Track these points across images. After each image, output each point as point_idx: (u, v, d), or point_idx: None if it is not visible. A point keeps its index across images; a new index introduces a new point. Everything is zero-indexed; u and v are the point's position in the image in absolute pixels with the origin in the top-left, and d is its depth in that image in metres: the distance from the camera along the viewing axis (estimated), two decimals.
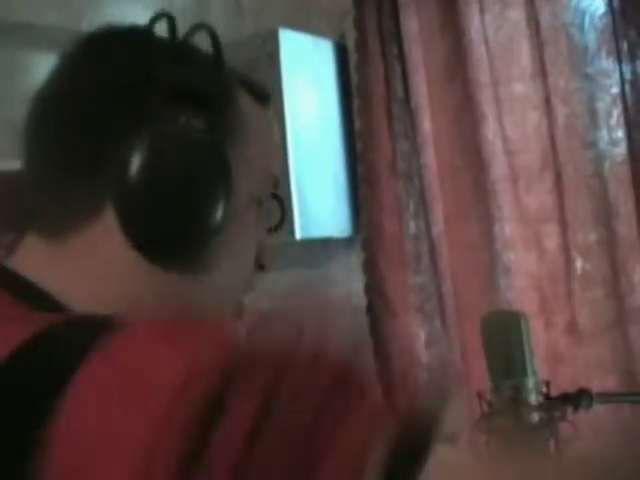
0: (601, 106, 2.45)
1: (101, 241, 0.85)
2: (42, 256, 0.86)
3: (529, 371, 1.24)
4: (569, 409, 1.27)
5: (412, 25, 2.69)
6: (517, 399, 1.21)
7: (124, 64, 0.86)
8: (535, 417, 1.22)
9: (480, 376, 1.30)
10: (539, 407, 1.23)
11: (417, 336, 2.73)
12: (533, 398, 1.23)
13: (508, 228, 2.57)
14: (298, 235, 2.55)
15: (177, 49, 0.87)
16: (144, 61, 0.85)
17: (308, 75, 2.71)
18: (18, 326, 0.72)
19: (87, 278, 0.85)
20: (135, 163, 0.81)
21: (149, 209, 0.82)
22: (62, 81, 0.89)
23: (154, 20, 0.89)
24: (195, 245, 0.84)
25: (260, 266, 0.97)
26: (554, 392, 1.27)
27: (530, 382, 1.24)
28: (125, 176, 0.81)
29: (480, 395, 1.27)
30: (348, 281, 2.90)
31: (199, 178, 0.83)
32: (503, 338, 1.26)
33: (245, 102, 0.93)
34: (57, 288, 0.83)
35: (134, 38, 0.90)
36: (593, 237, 2.46)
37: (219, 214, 0.84)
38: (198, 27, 0.88)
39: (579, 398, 1.27)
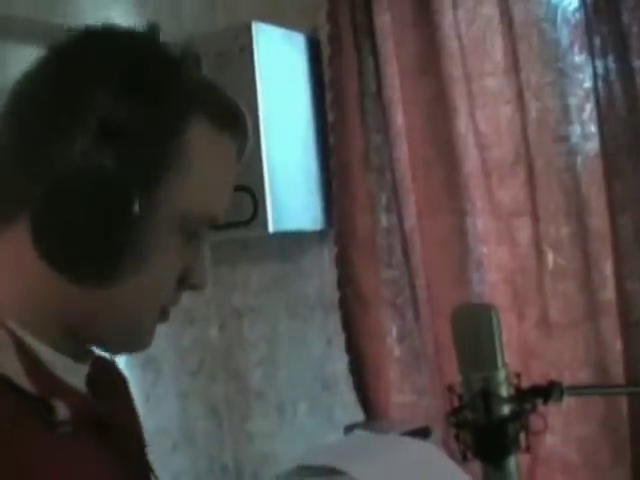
0: (573, 101, 2.45)
1: (16, 244, 0.93)
2: None
3: (499, 363, 1.25)
4: (540, 402, 1.27)
5: (385, 19, 2.69)
6: (487, 391, 1.21)
7: (72, 83, 0.92)
8: (505, 409, 1.23)
9: (453, 370, 1.30)
10: (509, 399, 1.23)
11: (389, 330, 2.73)
12: (503, 390, 1.24)
13: (480, 222, 2.57)
14: (271, 228, 2.54)
15: (132, 74, 0.91)
16: (90, 85, 0.91)
17: (281, 68, 2.71)
18: None
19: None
20: (49, 182, 0.89)
21: (55, 226, 0.89)
22: (25, 82, 0.96)
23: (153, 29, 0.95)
24: (93, 261, 0.91)
25: (191, 286, 1.02)
26: (526, 385, 1.27)
27: (500, 374, 1.24)
28: (41, 192, 0.89)
29: (451, 388, 1.27)
30: (320, 274, 2.90)
31: (98, 207, 0.89)
32: (473, 331, 1.26)
33: (197, 131, 0.95)
34: None
35: (100, 54, 0.93)
36: (565, 231, 2.47)
37: (119, 237, 0.90)
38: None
39: (550, 391, 1.27)
